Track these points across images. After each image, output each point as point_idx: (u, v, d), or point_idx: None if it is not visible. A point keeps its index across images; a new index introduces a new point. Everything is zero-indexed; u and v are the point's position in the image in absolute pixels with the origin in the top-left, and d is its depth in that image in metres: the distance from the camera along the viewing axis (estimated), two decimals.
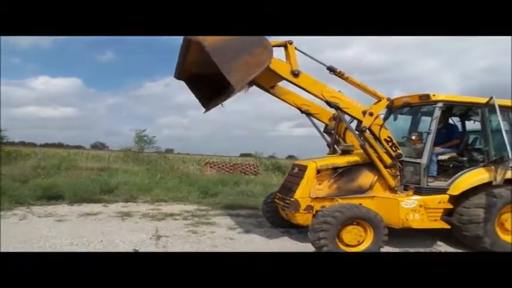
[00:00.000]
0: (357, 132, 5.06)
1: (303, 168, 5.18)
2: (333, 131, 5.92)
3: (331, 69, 5.00)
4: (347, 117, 5.19)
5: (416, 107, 5.64)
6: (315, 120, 5.85)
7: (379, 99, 5.12)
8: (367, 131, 4.96)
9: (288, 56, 4.74)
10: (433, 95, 5.17)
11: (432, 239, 5.53)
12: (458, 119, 6.33)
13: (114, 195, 8.80)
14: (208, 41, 3.88)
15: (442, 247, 5.31)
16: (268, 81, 5.04)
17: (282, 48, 4.81)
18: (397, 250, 4.98)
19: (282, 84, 5.30)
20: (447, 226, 4.99)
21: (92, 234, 5.26)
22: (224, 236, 5.48)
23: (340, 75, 5.04)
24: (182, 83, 5.33)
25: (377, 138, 5.05)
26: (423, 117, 5.77)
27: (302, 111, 5.63)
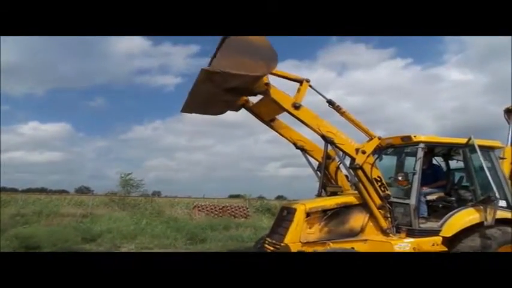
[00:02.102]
0: (350, 170, 5.09)
1: (291, 211, 5.07)
2: (324, 170, 5.92)
3: (331, 103, 5.14)
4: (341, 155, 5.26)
5: (400, 148, 5.72)
6: (309, 157, 5.88)
7: (371, 137, 5.20)
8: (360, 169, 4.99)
9: (298, 90, 4.93)
10: (414, 136, 5.27)
11: None
12: (442, 159, 6.44)
13: (97, 244, 8.41)
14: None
15: None
16: (269, 112, 5.29)
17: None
18: None
19: (281, 118, 5.55)
20: None
21: None
22: None
23: (337, 109, 5.17)
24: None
25: (368, 177, 5.07)
26: (407, 158, 5.85)
27: (297, 147, 5.71)
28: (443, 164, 6.39)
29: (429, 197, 5.46)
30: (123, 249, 8.12)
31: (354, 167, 4.99)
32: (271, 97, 4.70)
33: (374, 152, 5.97)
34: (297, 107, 4.82)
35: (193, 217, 14.75)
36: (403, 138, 5.41)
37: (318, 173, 5.92)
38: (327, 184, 5.92)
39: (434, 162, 6.13)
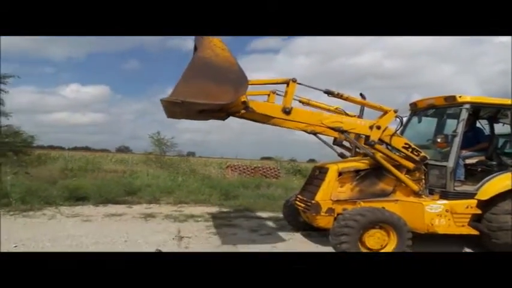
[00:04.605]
0: (366, 147, 4.97)
1: (324, 171, 5.14)
2: (343, 142, 5.84)
3: (329, 93, 4.92)
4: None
5: (442, 109, 5.48)
6: (323, 137, 5.71)
7: (385, 111, 5.00)
8: (380, 142, 4.89)
9: (285, 93, 4.70)
10: (460, 97, 5.02)
11: (459, 245, 5.33)
12: (486, 122, 6.10)
13: (138, 196, 9.03)
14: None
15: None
16: (263, 119, 4.91)
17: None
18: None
19: None
20: (475, 232, 4.80)
21: (117, 234, 5.42)
22: (246, 238, 5.51)
23: (339, 96, 4.96)
24: None
25: (393, 148, 4.99)
26: (449, 120, 5.61)
27: (308, 133, 5.32)
28: (487, 128, 6.06)
29: (468, 161, 5.27)
30: (162, 203, 8.71)
31: (369, 143, 4.87)
32: (256, 112, 4.47)
33: (413, 115, 5.81)
34: (287, 112, 4.60)
35: (226, 176, 15.26)
36: (447, 98, 5.17)
37: (334, 147, 5.80)
38: (360, 147, 5.86)
39: (477, 125, 5.83)
